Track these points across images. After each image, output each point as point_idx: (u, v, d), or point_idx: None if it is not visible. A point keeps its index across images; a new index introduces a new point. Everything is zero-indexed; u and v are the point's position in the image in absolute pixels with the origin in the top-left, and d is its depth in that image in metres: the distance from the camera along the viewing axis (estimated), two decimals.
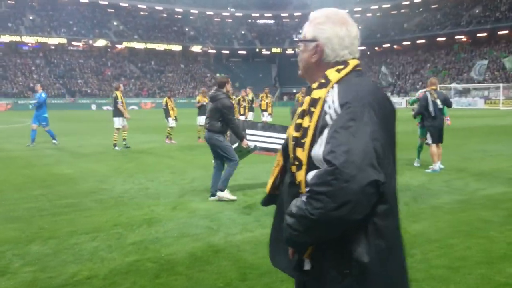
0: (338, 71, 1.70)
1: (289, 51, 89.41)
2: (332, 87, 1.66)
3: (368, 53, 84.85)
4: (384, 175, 1.48)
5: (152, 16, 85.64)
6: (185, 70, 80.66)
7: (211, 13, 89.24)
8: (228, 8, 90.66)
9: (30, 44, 71.14)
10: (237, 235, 5.30)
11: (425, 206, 6.71)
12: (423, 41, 74.98)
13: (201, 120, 16.11)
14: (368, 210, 1.48)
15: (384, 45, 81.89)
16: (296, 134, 1.68)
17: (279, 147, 6.97)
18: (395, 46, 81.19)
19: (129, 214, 6.19)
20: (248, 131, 7.98)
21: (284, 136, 8.35)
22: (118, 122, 14.11)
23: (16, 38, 68.12)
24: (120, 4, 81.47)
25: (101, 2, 79.52)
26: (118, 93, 14.18)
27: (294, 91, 77.19)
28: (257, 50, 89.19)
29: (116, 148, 13.72)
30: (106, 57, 77.31)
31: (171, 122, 15.73)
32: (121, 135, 14.20)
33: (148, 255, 4.64)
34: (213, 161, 7.41)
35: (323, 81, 1.70)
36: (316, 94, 1.68)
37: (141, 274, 4.18)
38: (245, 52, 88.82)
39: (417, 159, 10.58)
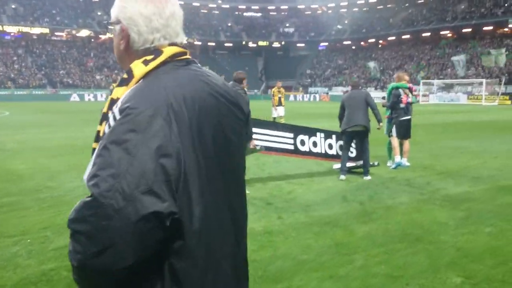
0: (146, 62, 1.30)
1: (276, 44, 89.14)
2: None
3: (354, 47, 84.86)
4: (175, 202, 1.13)
5: None
6: None
7: (198, 4, 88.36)
8: (216, 0, 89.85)
9: (12, 34, 69.85)
10: None
11: (380, 205, 6.46)
12: (408, 36, 75.03)
13: None
14: (148, 252, 1.12)
15: (370, 40, 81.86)
16: (94, 145, 1.31)
17: (286, 146, 6.54)
18: (380, 41, 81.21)
19: (66, 216, 5.82)
20: (254, 129, 7.72)
21: (289, 135, 8.07)
22: None
23: None
24: None
25: None
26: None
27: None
28: (244, 42, 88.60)
29: None
30: (89, 48, 76.24)
31: None
32: None
33: (68, 262, 4.29)
34: None
35: (125, 76, 1.30)
36: (115, 93, 1.29)
37: (53, 284, 3.85)
38: (231, 44, 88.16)
39: (390, 159, 10.13)
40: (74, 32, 73.73)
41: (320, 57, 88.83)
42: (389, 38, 78.55)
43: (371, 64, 68.10)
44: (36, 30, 70.28)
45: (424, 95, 56.54)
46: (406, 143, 9.71)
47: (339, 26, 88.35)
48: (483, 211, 6.19)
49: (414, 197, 7.00)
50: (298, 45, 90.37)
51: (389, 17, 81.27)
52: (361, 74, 75.24)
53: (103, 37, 77.27)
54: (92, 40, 77.73)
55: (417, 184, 7.91)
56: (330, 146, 8.96)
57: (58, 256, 4.45)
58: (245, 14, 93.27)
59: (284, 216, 5.90)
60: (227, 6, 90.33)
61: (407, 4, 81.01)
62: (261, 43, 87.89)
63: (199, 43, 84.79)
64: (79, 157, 10.66)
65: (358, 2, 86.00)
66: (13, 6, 71.26)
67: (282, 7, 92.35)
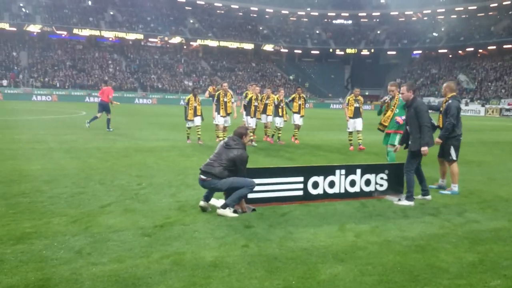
0: None
1: (365, 52, 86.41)
2: None
3: (450, 56, 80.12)
4: None
5: (227, 15, 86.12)
6: (256, 68, 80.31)
7: (286, 12, 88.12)
8: (305, 8, 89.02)
9: (110, 39, 73.98)
10: (100, 265, 4.30)
11: (377, 239, 5.34)
12: (510, 46, 69.32)
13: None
14: None
15: (468, 49, 76.73)
16: None
17: (293, 194, 6.60)
18: (479, 50, 75.92)
19: (16, 226, 5.39)
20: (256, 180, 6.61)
21: (297, 179, 6.98)
22: (218, 119, 14.44)
23: (96, 33, 71.01)
24: (197, 2, 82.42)
25: (179, 0, 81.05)
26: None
27: (367, 93, 74.06)
28: (331, 50, 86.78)
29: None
30: (180, 54, 78.75)
31: (188, 122, 14.80)
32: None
33: None
34: None
35: None
36: None
37: None
38: (318, 52, 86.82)
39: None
40: (166, 38, 76.41)
41: (413, 66, 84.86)
42: (489, 48, 73.18)
43: (462, 77, 64.05)
44: (132, 36, 73.72)
45: None
46: (455, 165, 8.30)
47: (434, 34, 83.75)
48: (504, 255, 4.89)
49: (429, 230, 5.77)
50: (389, 53, 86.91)
51: (490, 25, 75.69)
52: (456, 85, 70.73)
53: (194, 44, 79.50)
54: (184, 47, 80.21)
55: (445, 214, 6.62)
56: (352, 183, 7.47)
57: None
58: (334, 21, 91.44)
59: (251, 245, 5.01)
60: (316, 13, 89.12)
61: (510, 12, 74.93)
62: (349, 50, 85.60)
63: (286, 50, 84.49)
64: (98, 161, 10.42)
65: (457, 9, 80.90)
66: (111, 13, 75.46)
67: (374, 14, 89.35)
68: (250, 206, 6.52)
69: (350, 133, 14.41)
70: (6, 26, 64.69)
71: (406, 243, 5.26)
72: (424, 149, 7.17)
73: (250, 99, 14.62)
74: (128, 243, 4.95)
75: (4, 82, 56.59)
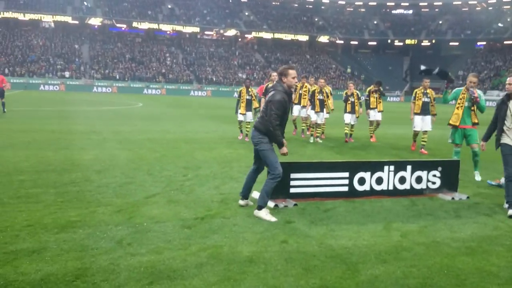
0: None
1: (425, 42, 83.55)
2: None
3: None
4: None
5: (283, 6, 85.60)
6: (310, 60, 79.51)
7: (343, 2, 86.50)
8: None
9: (168, 32, 75.48)
10: (138, 256, 4.32)
11: (425, 240, 5.08)
12: None
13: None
14: None
15: None
16: None
17: (338, 189, 6.42)
18: None
19: (62, 214, 5.52)
20: (294, 175, 6.50)
21: (343, 174, 6.73)
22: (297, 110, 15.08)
23: (154, 26, 72.58)
24: None
25: None
26: (302, 84, 14.88)
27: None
28: (389, 41, 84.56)
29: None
30: (235, 46, 79.19)
31: (240, 116, 14.39)
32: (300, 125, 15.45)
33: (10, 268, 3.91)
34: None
35: None
36: None
37: None
38: (375, 43, 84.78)
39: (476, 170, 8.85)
40: (222, 31, 77.04)
41: (476, 58, 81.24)
42: None
43: None
44: (188, 29, 74.83)
45: None
46: None
47: (500, 24, 79.72)
48: None
49: (482, 232, 5.44)
50: (451, 44, 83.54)
51: None
52: None
53: (248, 36, 79.68)
54: (239, 39, 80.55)
55: (501, 214, 6.23)
56: (402, 180, 7.09)
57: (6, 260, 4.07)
58: (393, 11, 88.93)
59: (290, 241, 4.89)
60: (374, 3, 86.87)
61: None
62: (408, 41, 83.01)
63: (341, 42, 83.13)
64: (149, 151, 10.58)
65: None
66: (169, 6, 76.88)
67: (435, 3, 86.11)
68: (291, 200, 6.39)
69: (417, 133, 12.47)
70: (68, 19, 67.54)
71: (456, 244, 4.97)
72: None
73: (313, 92, 13.91)
74: (168, 235, 4.95)
75: (67, 74, 59.02)
